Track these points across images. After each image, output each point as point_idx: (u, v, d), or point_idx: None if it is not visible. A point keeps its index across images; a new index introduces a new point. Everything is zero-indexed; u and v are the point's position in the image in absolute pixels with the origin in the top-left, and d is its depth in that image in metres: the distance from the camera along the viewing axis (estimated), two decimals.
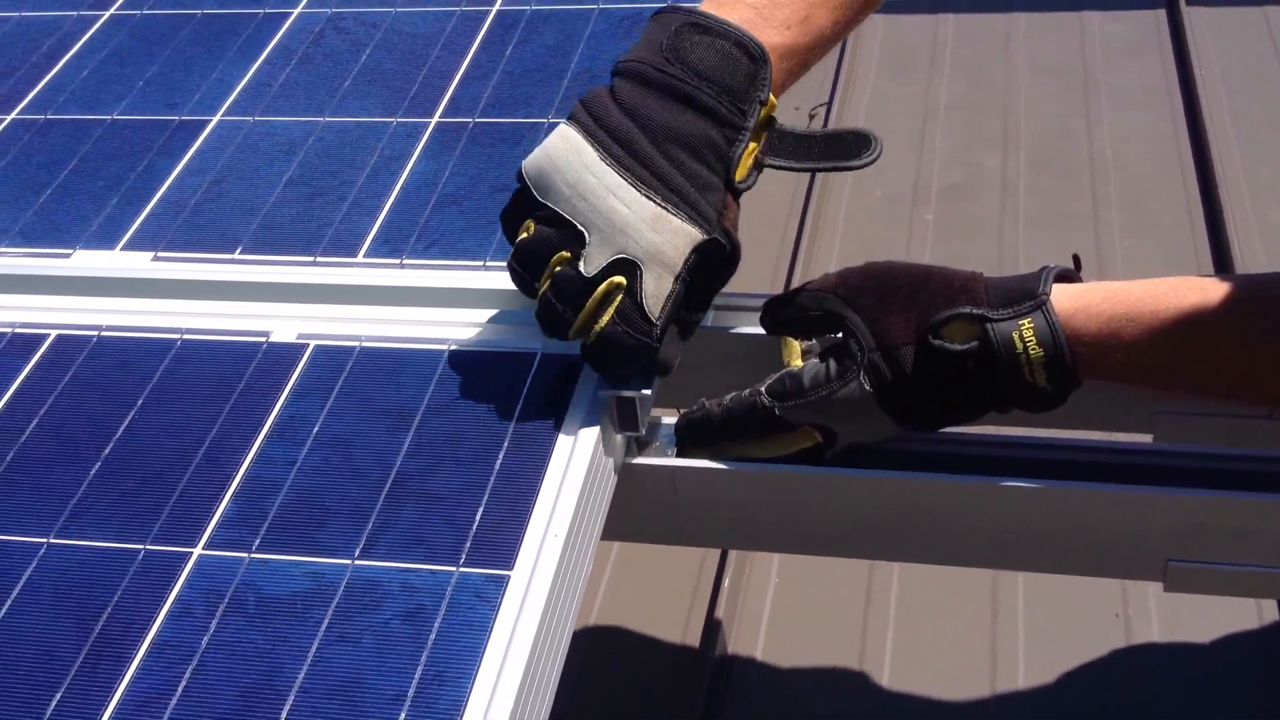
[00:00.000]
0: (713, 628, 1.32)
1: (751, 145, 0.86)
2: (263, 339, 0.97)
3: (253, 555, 0.82)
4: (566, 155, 0.85)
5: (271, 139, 1.16)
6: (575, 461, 0.85)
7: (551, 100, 1.16)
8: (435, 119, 1.15)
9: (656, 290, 0.84)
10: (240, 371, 0.95)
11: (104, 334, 0.99)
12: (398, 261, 1.02)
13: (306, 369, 0.94)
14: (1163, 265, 1.77)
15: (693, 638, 1.33)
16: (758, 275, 1.80)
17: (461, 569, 0.79)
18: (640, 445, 0.93)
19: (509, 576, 0.79)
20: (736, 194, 0.86)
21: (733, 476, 0.91)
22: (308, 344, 0.96)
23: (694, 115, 0.84)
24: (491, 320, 0.97)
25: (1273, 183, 1.89)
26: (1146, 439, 0.96)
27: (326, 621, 0.77)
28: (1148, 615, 1.28)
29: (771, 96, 0.86)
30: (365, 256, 1.03)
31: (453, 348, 0.95)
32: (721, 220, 0.85)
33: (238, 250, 1.04)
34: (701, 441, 0.92)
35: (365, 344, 0.96)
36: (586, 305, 0.84)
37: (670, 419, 0.95)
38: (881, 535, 0.93)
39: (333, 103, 1.19)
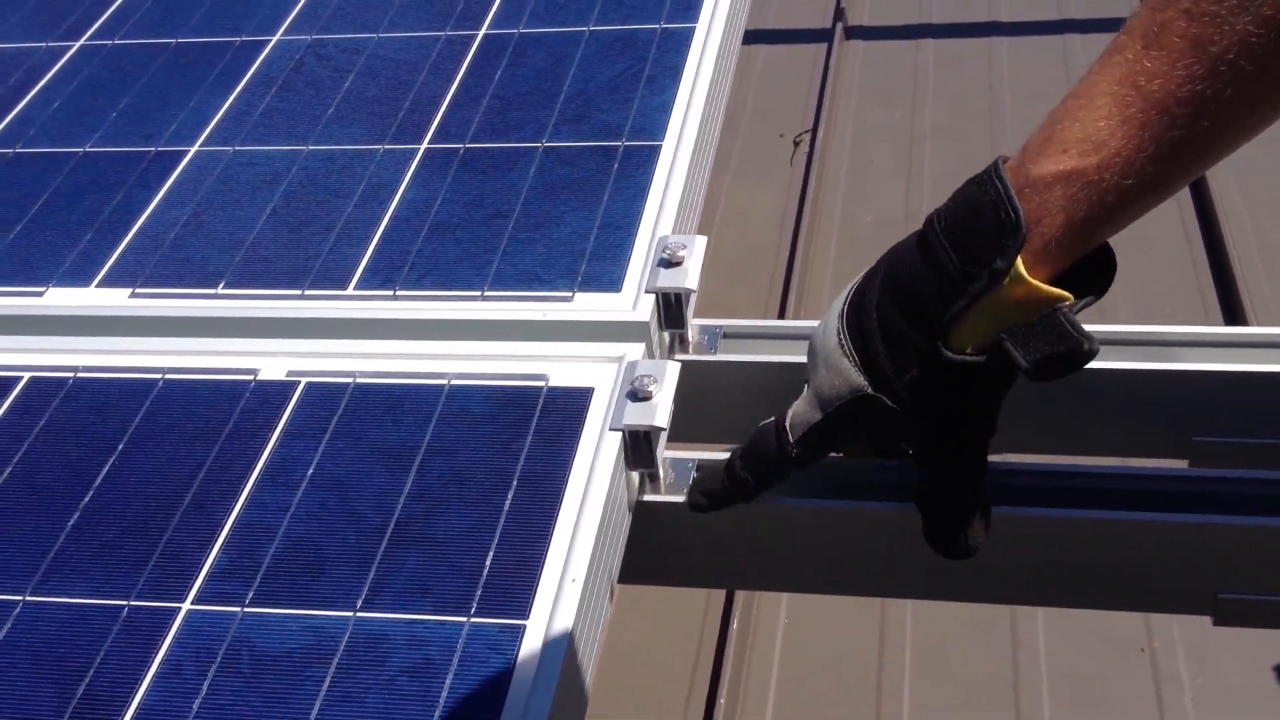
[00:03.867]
0: (721, 671, 1.26)
1: (981, 316, 0.72)
2: (250, 377, 0.92)
3: (246, 609, 0.76)
4: None
5: (252, 169, 1.11)
6: (590, 500, 0.80)
7: (545, 124, 1.11)
8: (424, 145, 1.11)
9: (802, 417, 0.80)
10: (227, 412, 0.89)
11: (80, 375, 0.93)
12: (390, 293, 0.97)
13: (298, 408, 0.89)
14: (1160, 283, 1.73)
15: (701, 680, 1.27)
16: (751, 298, 1.75)
17: (473, 619, 0.74)
18: (653, 477, 0.88)
19: (525, 626, 0.73)
20: (946, 363, 0.74)
21: (750, 513, 0.86)
22: (299, 381, 0.91)
23: (924, 267, 0.75)
24: (493, 353, 0.92)
25: (1270, 201, 1.86)
26: (1181, 464, 0.91)
27: (328, 680, 0.72)
28: (1174, 649, 1.24)
29: (1034, 281, 0.70)
30: (356, 289, 0.98)
31: (453, 382, 0.89)
32: (899, 380, 0.76)
33: (220, 285, 0.99)
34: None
35: (360, 380, 0.90)
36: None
37: (684, 454, 0.90)
38: (907, 571, 0.88)
39: (316, 131, 1.14)
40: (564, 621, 0.73)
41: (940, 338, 0.74)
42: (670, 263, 0.95)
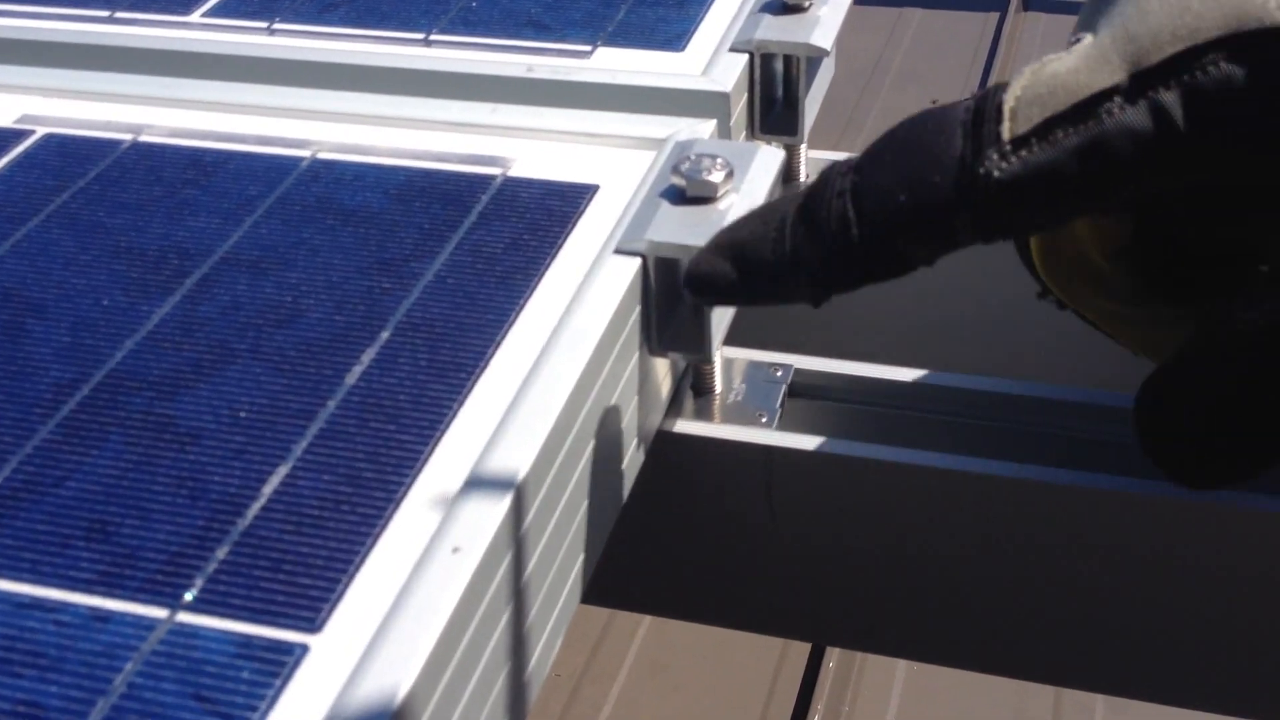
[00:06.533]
0: None
1: None
2: None
3: None
4: None
5: None
6: (535, 395, 0.34)
7: None
8: None
9: (1060, 81, 0.32)
10: None
11: None
12: (264, 26, 0.53)
13: (11, 169, 0.45)
14: None
15: None
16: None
17: (184, 614, 0.29)
18: (700, 390, 0.43)
19: (306, 648, 0.28)
20: None
21: (908, 474, 0.40)
22: (31, 131, 0.47)
23: None
24: (433, 119, 0.47)
25: None
26: None
27: None
28: None
29: None
30: (205, 16, 0.54)
31: (320, 155, 0.45)
32: None
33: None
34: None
35: (145, 137, 0.46)
36: None
37: (775, 358, 0.45)
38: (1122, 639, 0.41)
39: None
40: (411, 653, 0.27)
41: None
42: (787, 6, 0.50)
